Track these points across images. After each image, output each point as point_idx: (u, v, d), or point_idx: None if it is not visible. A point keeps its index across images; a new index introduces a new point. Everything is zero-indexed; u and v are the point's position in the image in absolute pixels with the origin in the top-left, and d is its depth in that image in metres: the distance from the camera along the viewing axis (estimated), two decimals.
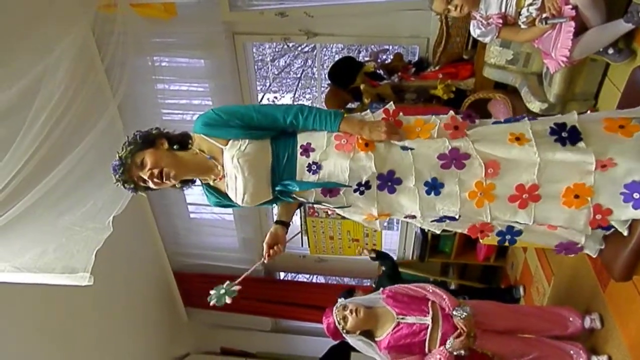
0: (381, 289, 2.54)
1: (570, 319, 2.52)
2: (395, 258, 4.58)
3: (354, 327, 2.36)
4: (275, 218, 1.88)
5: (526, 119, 1.58)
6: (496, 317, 2.47)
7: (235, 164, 1.55)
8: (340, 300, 2.79)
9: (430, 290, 2.43)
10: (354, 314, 2.34)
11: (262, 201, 1.67)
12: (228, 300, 1.74)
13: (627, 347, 2.18)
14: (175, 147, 1.62)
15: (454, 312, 2.30)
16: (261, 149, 1.57)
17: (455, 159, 1.50)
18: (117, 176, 1.58)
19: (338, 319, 2.38)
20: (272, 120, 1.57)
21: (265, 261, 1.81)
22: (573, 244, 1.65)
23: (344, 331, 2.37)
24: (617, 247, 1.59)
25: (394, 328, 2.32)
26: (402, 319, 2.33)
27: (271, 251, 1.77)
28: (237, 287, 1.76)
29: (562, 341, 2.49)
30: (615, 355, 2.28)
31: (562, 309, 2.60)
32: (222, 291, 1.74)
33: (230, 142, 1.57)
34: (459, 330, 2.23)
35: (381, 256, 3.60)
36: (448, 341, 2.23)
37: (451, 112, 1.56)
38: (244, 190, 1.58)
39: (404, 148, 1.54)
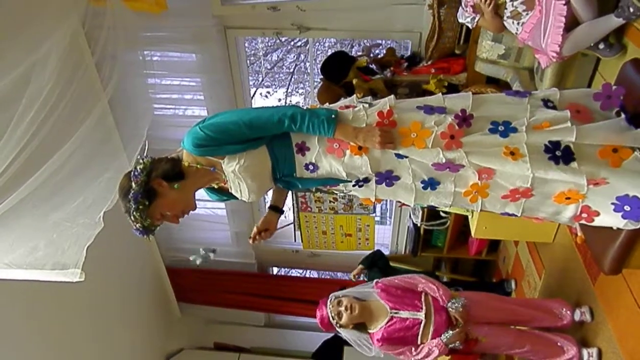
0: (374, 280, 2.55)
1: (562, 311, 2.55)
2: (387, 252, 4.62)
3: (348, 323, 2.37)
4: (268, 204, 1.94)
5: (527, 96, 1.57)
6: (489, 309, 2.50)
7: (238, 175, 1.57)
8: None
9: (423, 282, 2.46)
10: (348, 310, 2.35)
11: (267, 191, 1.75)
12: (198, 262, 1.83)
13: (617, 340, 2.20)
14: (176, 186, 1.56)
15: (449, 305, 2.33)
16: (260, 157, 1.57)
17: (449, 167, 1.51)
18: (146, 236, 1.60)
19: (332, 314, 2.38)
20: (265, 132, 1.55)
21: (251, 242, 1.87)
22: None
23: (338, 325, 2.38)
24: (606, 240, 1.60)
25: (387, 322, 2.34)
26: (396, 313, 2.35)
27: (258, 236, 1.85)
28: (212, 255, 1.86)
29: (553, 334, 2.52)
30: (604, 348, 2.31)
31: (553, 302, 2.63)
32: (203, 252, 1.84)
33: (227, 157, 1.56)
34: (456, 327, 2.25)
35: (371, 262, 3.54)
36: (444, 334, 2.25)
37: (449, 119, 1.50)
38: (249, 192, 1.63)
39: (399, 155, 1.54)
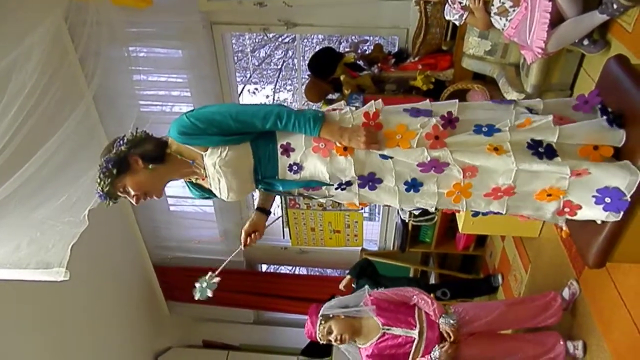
0: (366, 292, 2.48)
1: (552, 303, 2.52)
2: (376, 248, 4.64)
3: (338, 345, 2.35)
4: (255, 206, 1.91)
5: (512, 104, 1.60)
6: (480, 320, 2.44)
7: (218, 170, 1.55)
8: (325, 308, 2.48)
9: (416, 293, 2.41)
10: (338, 341, 2.30)
11: (247, 194, 1.71)
12: (210, 294, 1.78)
13: (601, 332, 2.23)
14: (150, 166, 1.56)
15: (441, 320, 2.30)
16: (242, 153, 1.55)
17: (434, 167, 1.51)
18: (106, 203, 1.60)
19: (322, 341, 2.34)
20: (251, 127, 1.54)
21: (243, 248, 1.87)
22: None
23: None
24: (590, 234, 1.61)
25: (379, 338, 2.30)
26: (388, 329, 2.30)
27: (248, 239, 1.85)
28: (217, 279, 1.80)
29: (539, 332, 2.53)
30: (589, 340, 2.33)
31: (542, 296, 2.60)
32: (205, 284, 1.79)
33: (210, 149, 1.55)
34: (447, 342, 2.23)
35: (360, 272, 3.46)
36: (433, 351, 2.23)
37: (433, 120, 1.52)
38: (228, 190, 1.60)
39: (383, 156, 1.53)
